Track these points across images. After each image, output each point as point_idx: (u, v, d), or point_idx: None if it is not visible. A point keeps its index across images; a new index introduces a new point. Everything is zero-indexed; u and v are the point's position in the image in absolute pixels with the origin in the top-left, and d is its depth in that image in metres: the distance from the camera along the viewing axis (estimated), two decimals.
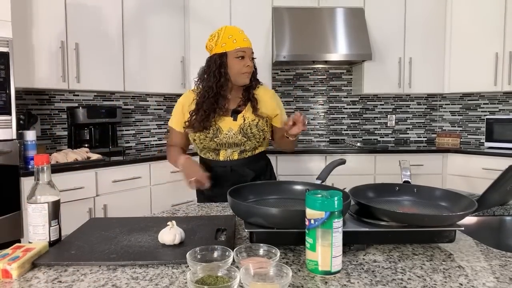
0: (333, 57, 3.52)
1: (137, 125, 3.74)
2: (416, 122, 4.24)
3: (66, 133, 3.18)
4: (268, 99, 1.71)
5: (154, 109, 3.87)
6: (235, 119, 1.64)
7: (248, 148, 1.68)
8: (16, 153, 2.32)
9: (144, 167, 3.02)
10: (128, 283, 0.81)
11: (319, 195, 0.86)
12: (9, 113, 2.30)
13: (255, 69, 1.69)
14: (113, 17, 3.09)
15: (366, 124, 4.20)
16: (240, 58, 1.59)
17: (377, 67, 3.77)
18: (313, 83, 4.13)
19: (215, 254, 0.88)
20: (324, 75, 4.14)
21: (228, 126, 1.63)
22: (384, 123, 4.20)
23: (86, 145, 3.12)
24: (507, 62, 3.46)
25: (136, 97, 3.70)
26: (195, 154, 1.89)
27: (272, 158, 3.64)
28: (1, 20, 2.28)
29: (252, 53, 1.64)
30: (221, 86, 1.60)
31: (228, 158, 1.67)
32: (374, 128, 4.21)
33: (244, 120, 1.64)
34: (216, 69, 1.59)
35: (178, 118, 1.71)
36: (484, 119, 3.73)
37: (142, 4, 3.28)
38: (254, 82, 1.68)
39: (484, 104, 3.96)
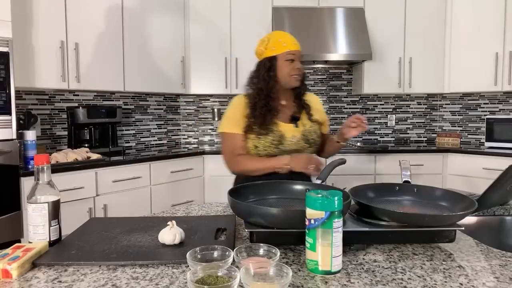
0: (333, 57, 3.52)
1: (137, 125, 3.74)
2: (416, 122, 4.24)
3: (66, 133, 3.18)
4: (317, 105, 1.75)
5: (154, 109, 3.87)
6: (296, 126, 1.64)
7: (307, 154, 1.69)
8: (16, 153, 2.32)
9: (144, 167, 3.02)
10: (128, 283, 0.81)
11: (319, 195, 0.86)
12: (9, 113, 2.30)
13: (304, 74, 1.68)
14: (113, 17, 3.09)
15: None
16: (290, 61, 1.59)
17: (377, 67, 3.77)
18: (313, 83, 4.13)
19: (215, 254, 0.88)
20: (324, 75, 4.14)
21: (291, 133, 1.62)
22: (384, 123, 4.20)
23: (86, 145, 3.12)
24: (507, 62, 3.46)
25: (136, 97, 3.70)
26: None
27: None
28: (1, 20, 2.28)
29: (302, 56, 1.63)
30: (271, 88, 1.60)
31: None
32: (374, 128, 4.21)
33: (304, 126, 1.65)
34: (265, 72, 1.60)
35: (237, 121, 1.64)
36: (484, 119, 3.73)
37: (142, 4, 3.28)
38: (303, 86, 1.68)
39: (484, 104, 3.96)
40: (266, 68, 1.60)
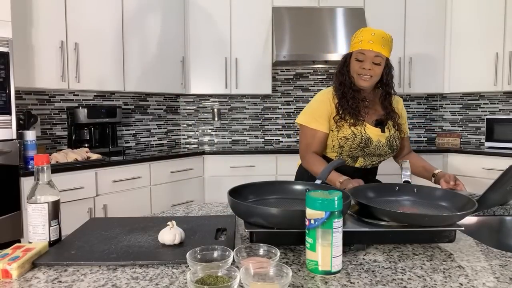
0: (333, 57, 3.51)
1: (137, 125, 3.74)
2: (416, 122, 4.24)
3: (66, 133, 3.18)
4: (401, 110, 1.74)
5: (154, 109, 3.87)
6: (383, 131, 1.63)
7: (386, 159, 1.70)
8: (16, 153, 2.32)
9: (144, 167, 3.02)
10: (128, 283, 0.81)
11: (319, 195, 0.86)
12: (9, 113, 2.30)
13: (388, 75, 1.63)
14: (113, 17, 3.09)
15: None
16: (359, 60, 1.56)
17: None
18: (313, 83, 4.13)
19: (215, 254, 0.88)
20: (324, 75, 4.14)
21: (377, 137, 1.61)
22: None
23: (86, 145, 3.12)
24: (507, 62, 3.46)
25: (136, 97, 3.70)
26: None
27: (271, 157, 3.67)
28: (1, 20, 2.28)
29: (377, 57, 1.55)
30: (350, 84, 1.60)
31: (363, 165, 1.67)
32: None
33: (390, 132, 1.64)
34: (341, 67, 1.63)
35: (320, 117, 1.62)
36: (484, 119, 3.73)
37: (142, 4, 3.28)
38: (387, 89, 1.65)
39: (484, 104, 3.96)
40: (341, 63, 1.63)
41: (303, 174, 1.74)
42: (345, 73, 1.61)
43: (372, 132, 1.60)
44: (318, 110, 1.63)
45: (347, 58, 1.63)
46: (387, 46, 1.56)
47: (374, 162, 1.68)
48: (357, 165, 1.65)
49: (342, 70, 1.62)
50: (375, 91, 1.68)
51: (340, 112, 1.60)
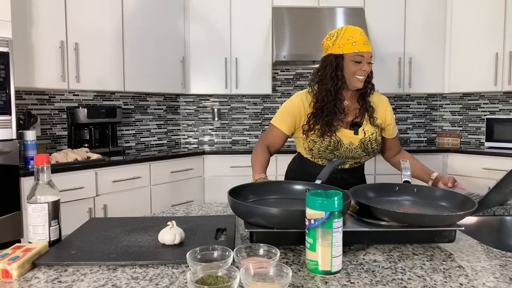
0: None
1: (137, 125, 3.74)
2: (416, 122, 4.24)
3: (66, 133, 3.18)
4: (384, 108, 1.65)
5: (154, 109, 3.87)
6: (356, 133, 1.57)
7: (364, 161, 1.65)
8: (16, 153, 2.32)
9: (144, 167, 3.02)
10: (128, 283, 0.81)
11: (319, 195, 0.86)
12: (9, 113, 2.30)
13: (371, 73, 1.60)
14: (113, 17, 3.09)
15: None
16: (357, 62, 1.52)
17: (377, 67, 3.75)
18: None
19: (215, 254, 0.88)
20: None
21: (348, 139, 1.56)
22: None
23: (86, 145, 3.12)
24: (507, 62, 3.46)
25: (136, 97, 3.70)
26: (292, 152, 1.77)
27: (271, 157, 3.65)
28: (1, 20, 2.28)
29: (371, 57, 1.56)
30: (338, 89, 1.54)
31: (340, 167, 1.61)
32: None
33: (365, 134, 1.57)
34: (332, 71, 1.54)
35: (289, 119, 1.60)
36: (484, 119, 3.73)
37: (142, 4, 3.28)
38: (369, 87, 1.60)
39: (484, 104, 3.96)
40: (333, 67, 1.54)
41: (288, 176, 1.75)
42: (338, 78, 1.53)
43: (344, 134, 1.56)
44: (288, 111, 1.61)
45: (339, 60, 1.53)
46: None
47: (350, 163, 1.63)
48: None
49: (335, 74, 1.53)
50: (352, 91, 1.61)
51: (310, 123, 1.56)
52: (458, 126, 4.13)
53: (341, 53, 1.53)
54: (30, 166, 2.48)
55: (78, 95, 3.26)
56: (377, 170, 3.51)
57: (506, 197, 1.34)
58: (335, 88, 1.53)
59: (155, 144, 3.89)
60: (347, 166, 1.63)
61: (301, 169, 1.69)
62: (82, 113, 3.03)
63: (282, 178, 3.06)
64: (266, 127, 4.10)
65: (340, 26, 1.79)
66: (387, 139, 1.71)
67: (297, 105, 1.60)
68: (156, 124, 3.89)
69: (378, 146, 1.62)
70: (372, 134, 1.59)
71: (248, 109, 4.12)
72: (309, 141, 1.58)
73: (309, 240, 0.86)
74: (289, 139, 1.74)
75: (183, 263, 0.90)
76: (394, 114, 1.74)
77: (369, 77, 1.60)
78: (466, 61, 3.67)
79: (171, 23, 3.53)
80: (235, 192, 1.11)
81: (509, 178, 1.21)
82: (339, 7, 3.67)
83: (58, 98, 3.14)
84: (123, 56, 3.16)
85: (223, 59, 3.68)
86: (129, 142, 3.67)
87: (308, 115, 1.57)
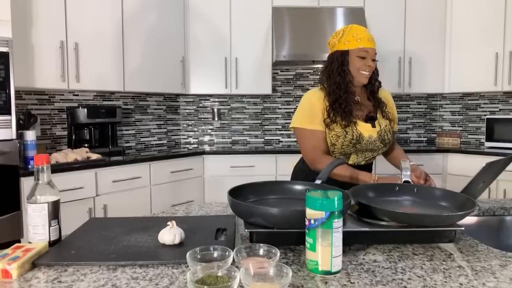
0: None
1: (137, 125, 3.74)
2: (416, 122, 4.24)
3: (66, 133, 3.18)
4: (391, 102, 1.75)
5: (154, 109, 3.87)
6: (373, 126, 1.62)
7: (378, 154, 1.69)
8: (16, 153, 2.32)
9: (144, 167, 3.02)
10: (128, 283, 0.81)
11: (319, 195, 0.86)
12: (9, 113, 2.30)
13: (377, 70, 1.66)
14: (113, 17, 3.09)
15: None
16: (362, 57, 1.57)
17: (377, 67, 3.76)
18: (313, 83, 4.13)
19: (215, 254, 0.88)
20: None
21: (368, 132, 1.60)
22: None
23: (86, 145, 3.12)
24: (507, 62, 3.46)
25: (136, 97, 3.70)
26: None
27: (271, 157, 3.67)
28: (1, 20, 2.28)
29: (375, 54, 1.61)
30: (347, 83, 1.59)
31: (356, 162, 1.65)
32: None
33: (380, 126, 1.64)
34: (339, 66, 1.59)
35: (316, 117, 1.61)
36: (484, 119, 3.73)
37: (142, 4, 3.28)
38: (377, 84, 1.67)
39: (484, 104, 3.96)
40: (339, 63, 1.59)
41: (298, 177, 1.74)
42: (345, 72, 1.59)
43: (363, 128, 1.60)
44: (312, 110, 1.62)
45: (344, 56, 1.59)
46: None
47: (367, 158, 1.67)
48: (350, 162, 1.64)
49: (341, 69, 1.59)
50: (362, 88, 1.68)
51: (331, 115, 1.58)
52: (458, 126, 4.13)
53: (347, 49, 1.59)
54: (30, 166, 2.48)
55: (78, 95, 3.26)
56: (377, 170, 3.50)
57: (475, 194, 1.34)
58: (343, 81, 1.59)
59: (155, 144, 3.89)
60: (363, 162, 1.66)
61: (312, 169, 1.69)
62: (82, 113, 3.03)
63: (282, 178, 3.05)
64: (266, 126, 4.10)
65: (341, 26, 1.80)
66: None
67: (316, 101, 1.63)
68: (156, 124, 3.89)
69: (391, 136, 1.69)
70: (386, 126, 1.65)
71: (248, 109, 4.12)
72: (332, 136, 1.59)
73: (309, 240, 0.86)
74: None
75: (183, 263, 0.90)
76: None
77: (375, 74, 1.66)
78: (466, 61, 3.67)
79: (171, 23, 3.52)
80: (235, 192, 1.11)
81: (481, 175, 1.22)
82: (339, 7, 3.67)
83: (58, 98, 3.14)
84: (123, 56, 3.16)
85: (223, 59, 3.68)
86: (129, 142, 3.67)
87: (327, 108, 1.60)
